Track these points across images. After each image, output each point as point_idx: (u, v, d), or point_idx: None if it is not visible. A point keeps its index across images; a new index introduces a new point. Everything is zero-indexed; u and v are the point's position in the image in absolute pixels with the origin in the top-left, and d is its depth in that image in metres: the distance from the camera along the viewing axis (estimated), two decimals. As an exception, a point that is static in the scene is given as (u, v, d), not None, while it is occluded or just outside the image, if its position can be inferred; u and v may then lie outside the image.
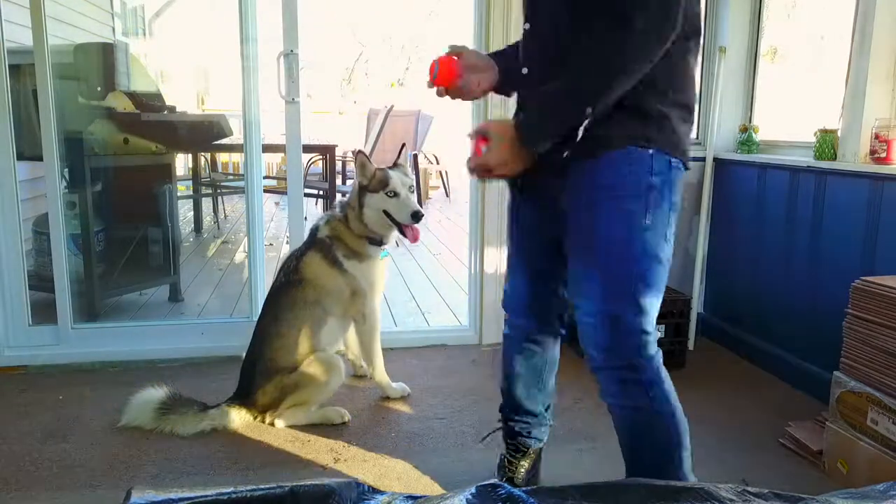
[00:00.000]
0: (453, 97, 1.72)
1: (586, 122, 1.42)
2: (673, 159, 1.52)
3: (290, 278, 2.51)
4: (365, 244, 2.56)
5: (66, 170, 3.30)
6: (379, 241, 2.58)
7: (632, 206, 1.50)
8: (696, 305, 3.39)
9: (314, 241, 2.57)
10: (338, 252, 2.54)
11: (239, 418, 2.42)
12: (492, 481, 0.98)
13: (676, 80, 1.52)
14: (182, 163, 6.05)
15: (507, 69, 1.74)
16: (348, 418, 2.50)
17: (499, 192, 3.21)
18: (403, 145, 2.74)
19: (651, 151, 1.49)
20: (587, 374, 3.12)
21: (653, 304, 1.55)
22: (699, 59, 1.59)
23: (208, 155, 6.45)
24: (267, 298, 2.55)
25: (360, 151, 2.58)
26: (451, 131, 7.63)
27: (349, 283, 2.55)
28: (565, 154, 1.49)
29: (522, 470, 2.00)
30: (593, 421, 2.53)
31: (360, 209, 2.52)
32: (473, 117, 3.24)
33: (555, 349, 1.96)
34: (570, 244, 1.59)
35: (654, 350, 1.57)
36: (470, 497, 0.88)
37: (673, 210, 1.54)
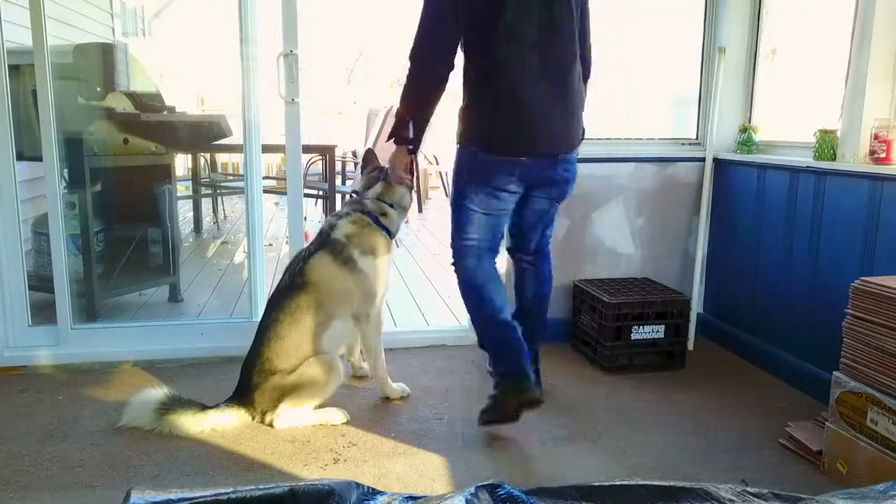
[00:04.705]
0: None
1: (409, 125, 2.34)
2: (480, 152, 2.32)
3: (294, 280, 2.50)
4: (389, 240, 2.63)
5: (66, 170, 3.30)
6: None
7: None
8: (696, 305, 3.39)
9: (326, 242, 2.55)
10: (354, 250, 2.54)
11: (238, 419, 2.42)
12: (491, 481, 0.98)
13: (474, 92, 2.30)
14: (182, 163, 6.05)
15: None
16: (348, 418, 2.50)
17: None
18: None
19: (460, 146, 2.39)
20: (586, 375, 3.13)
21: (460, 230, 2.43)
22: (514, 65, 2.23)
23: (208, 155, 6.44)
24: (270, 299, 2.55)
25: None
26: (451, 132, 7.62)
27: (360, 282, 2.55)
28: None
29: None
30: (593, 421, 2.53)
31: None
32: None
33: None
34: None
35: (466, 257, 2.44)
36: (470, 497, 0.88)
37: (481, 182, 2.34)
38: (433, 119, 2.40)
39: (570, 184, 2.47)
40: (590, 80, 2.49)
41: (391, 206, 2.64)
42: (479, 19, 2.18)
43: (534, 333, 2.56)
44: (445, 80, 2.25)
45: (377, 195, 2.64)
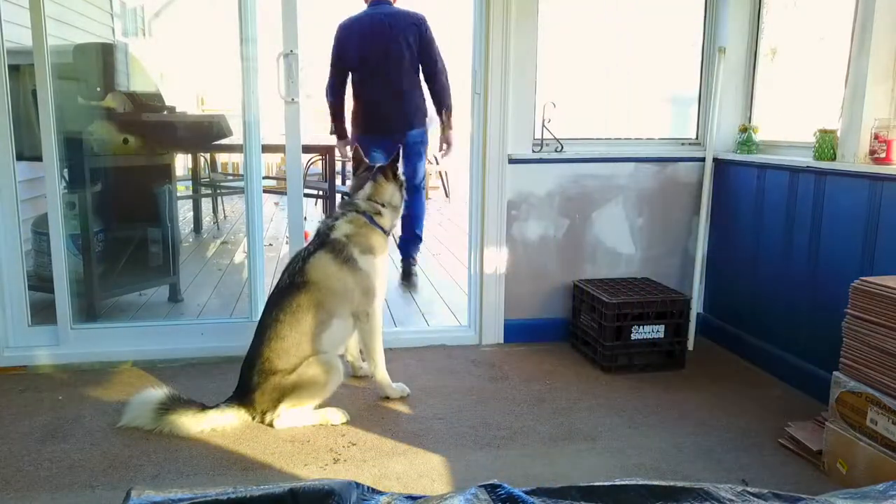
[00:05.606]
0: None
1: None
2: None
3: (294, 280, 2.50)
4: (386, 238, 2.66)
5: (66, 170, 3.30)
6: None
7: None
8: (696, 305, 3.39)
9: (326, 242, 2.56)
10: (354, 249, 2.55)
11: (238, 419, 2.42)
12: (492, 482, 0.98)
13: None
14: (182, 163, 6.04)
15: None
16: (348, 418, 2.50)
17: (499, 193, 3.21)
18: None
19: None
20: (586, 374, 3.13)
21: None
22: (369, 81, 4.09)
23: (208, 155, 6.44)
24: (269, 299, 2.55)
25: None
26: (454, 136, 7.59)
27: (361, 280, 2.56)
28: None
29: None
30: (593, 421, 2.53)
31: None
32: (472, 117, 3.27)
33: None
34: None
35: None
36: (470, 497, 0.88)
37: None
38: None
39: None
40: (447, 91, 4.20)
41: (382, 205, 2.67)
42: (359, 72, 4.06)
43: None
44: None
45: (368, 196, 2.66)
